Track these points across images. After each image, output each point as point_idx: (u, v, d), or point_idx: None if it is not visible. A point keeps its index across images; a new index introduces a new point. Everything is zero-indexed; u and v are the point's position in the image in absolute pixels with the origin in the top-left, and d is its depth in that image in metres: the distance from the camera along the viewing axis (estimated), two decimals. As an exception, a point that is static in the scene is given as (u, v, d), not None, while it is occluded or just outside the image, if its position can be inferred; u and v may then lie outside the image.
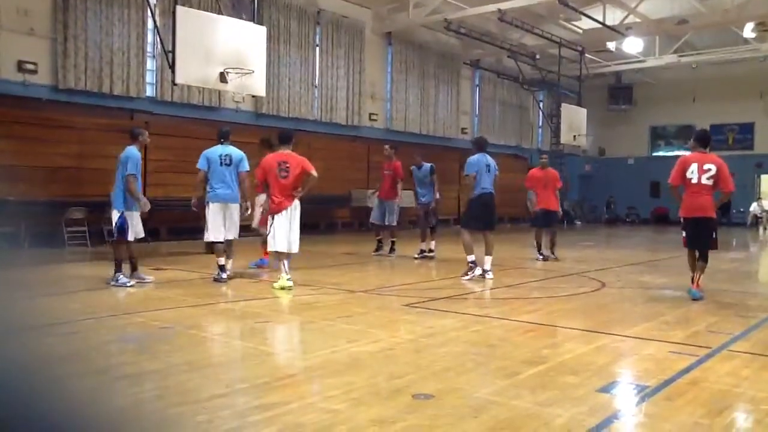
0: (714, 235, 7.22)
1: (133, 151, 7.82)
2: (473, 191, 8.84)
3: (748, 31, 22.07)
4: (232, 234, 8.43)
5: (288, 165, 7.59)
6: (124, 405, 3.44)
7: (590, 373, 4.12)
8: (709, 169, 7.03)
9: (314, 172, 7.64)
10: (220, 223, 8.28)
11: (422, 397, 3.59)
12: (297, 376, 4.06)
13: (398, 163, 11.92)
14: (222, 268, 8.19)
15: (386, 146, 12.29)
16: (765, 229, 25.37)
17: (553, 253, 11.71)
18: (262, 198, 9.05)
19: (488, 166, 8.91)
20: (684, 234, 7.43)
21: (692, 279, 7.28)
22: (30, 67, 12.90)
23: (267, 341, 5.51)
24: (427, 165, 11.65)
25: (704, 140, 7.38)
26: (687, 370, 4.28)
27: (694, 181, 7.06)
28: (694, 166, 7.08)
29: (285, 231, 7.61)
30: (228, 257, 8.38)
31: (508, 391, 3.74)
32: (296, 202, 7.64)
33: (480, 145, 9.20)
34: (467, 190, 8.94)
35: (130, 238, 7.82)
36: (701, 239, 7.24)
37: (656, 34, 23.44)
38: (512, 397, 3.62)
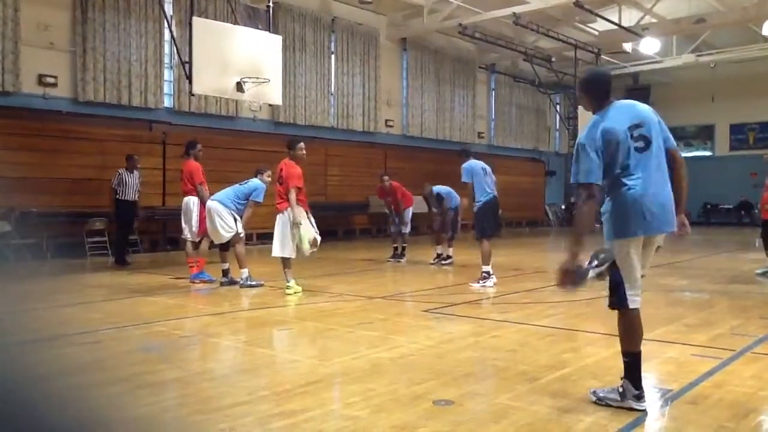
0: None
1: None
2: (477, 198, 8.84)
3: (767, 29, 21.77)
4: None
5: (282, 173, 7.94)
6: (146, 413, 3.46)
7: (612, 378, 4.08)
8: None
9: (292, 195, 7.70)
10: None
11: (442, 403, 3.58)
12: (318, 383, 4.06)
13: (395, 186, 12.07)
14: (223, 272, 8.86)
15: (384, 176, 12.35)
16: None
17: None
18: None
19: (484, 169, 8.95)
20: None
21: None
22: (50, 80, 13.10)
23: (287, 348, 5.53)
24: (434, 190, 11.71)
25: None
26: (710, 373, 4.23)
27: None
28: None
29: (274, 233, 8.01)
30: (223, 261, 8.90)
31: (529, 397, 3.72)
32: (287, 211, 7.78)
33: (468, 153, 9.37)
34: (469, 197, 8.99)
35: None
36: None
37: (673, 34, 23.21)
38: (533, 403, 3.60)
